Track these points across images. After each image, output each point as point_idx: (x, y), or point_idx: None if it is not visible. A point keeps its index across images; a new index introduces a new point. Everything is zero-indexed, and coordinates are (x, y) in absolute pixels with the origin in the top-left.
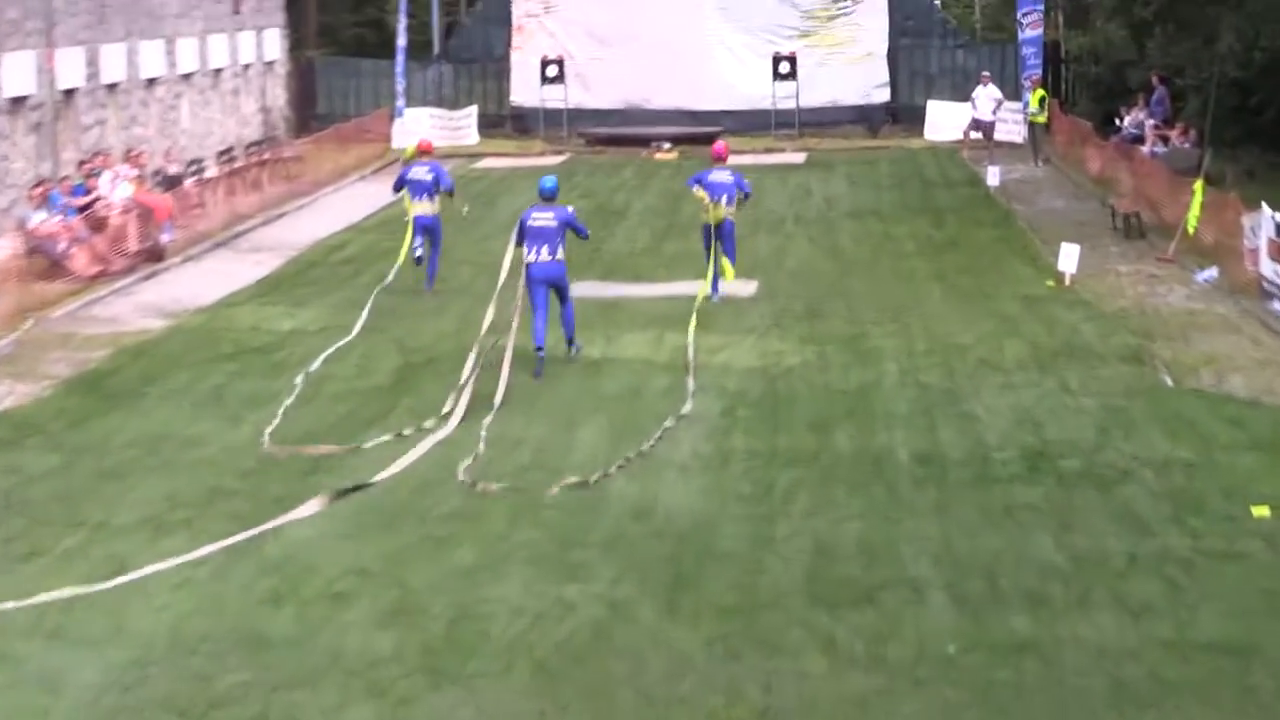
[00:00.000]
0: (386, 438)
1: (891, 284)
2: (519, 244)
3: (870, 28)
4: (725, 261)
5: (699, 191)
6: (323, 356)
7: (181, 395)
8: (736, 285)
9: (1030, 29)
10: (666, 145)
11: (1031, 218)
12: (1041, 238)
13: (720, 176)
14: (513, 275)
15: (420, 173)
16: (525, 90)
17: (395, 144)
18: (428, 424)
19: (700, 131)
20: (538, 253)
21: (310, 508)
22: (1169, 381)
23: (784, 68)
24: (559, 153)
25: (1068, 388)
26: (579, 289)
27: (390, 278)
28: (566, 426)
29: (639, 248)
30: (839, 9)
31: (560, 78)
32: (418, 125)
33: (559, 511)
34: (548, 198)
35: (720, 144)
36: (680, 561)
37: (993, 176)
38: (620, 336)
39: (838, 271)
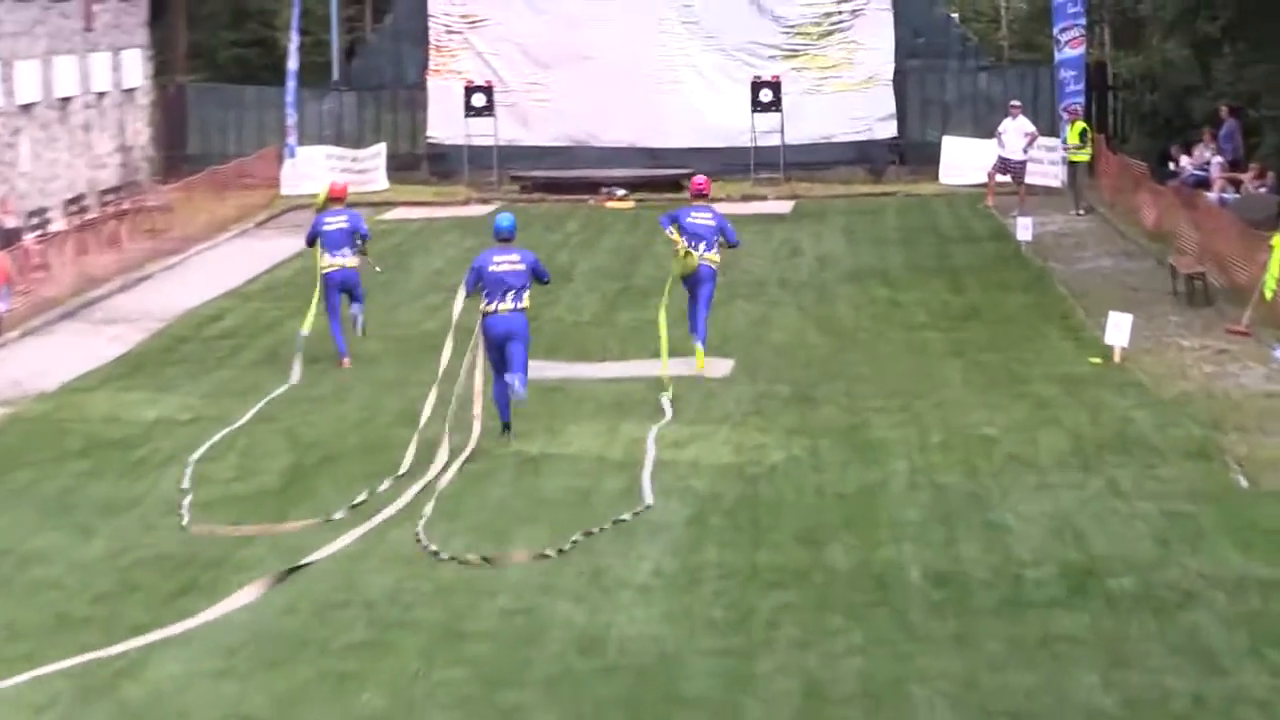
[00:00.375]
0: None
1: (899, 362)
2: (472, 294)
3: (872, 46)
4: (699, 351)
5: (673, 233)
6: (201, 450)
7: (20, 500)
8: (710, 364)
9: (1070, 48)
10: (620, 192)
11: (1072, 280)
12: (1084, 305)
13: (700, 218)
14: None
15: (336, 222)
16: (445, 124)
17: (285, 190)
18: (338, 515)
19: (662, 174)
20: (499, 302)
21: (247, 594)
22: (1243, 482)
23: (765, 96)
24: (486, 201)
25: (1118, 490)
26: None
27: (303, 336)
28: (496, 538)
29: (587, 318)
30: (833, 23)
31: (489, 108)
32: (312, 167)
33: (489, 643)
34: (506, 238)
35: (702, 178)
36: (638, 706)
37: (1024, 229)
38: (564, 428)
39: (833, 346)
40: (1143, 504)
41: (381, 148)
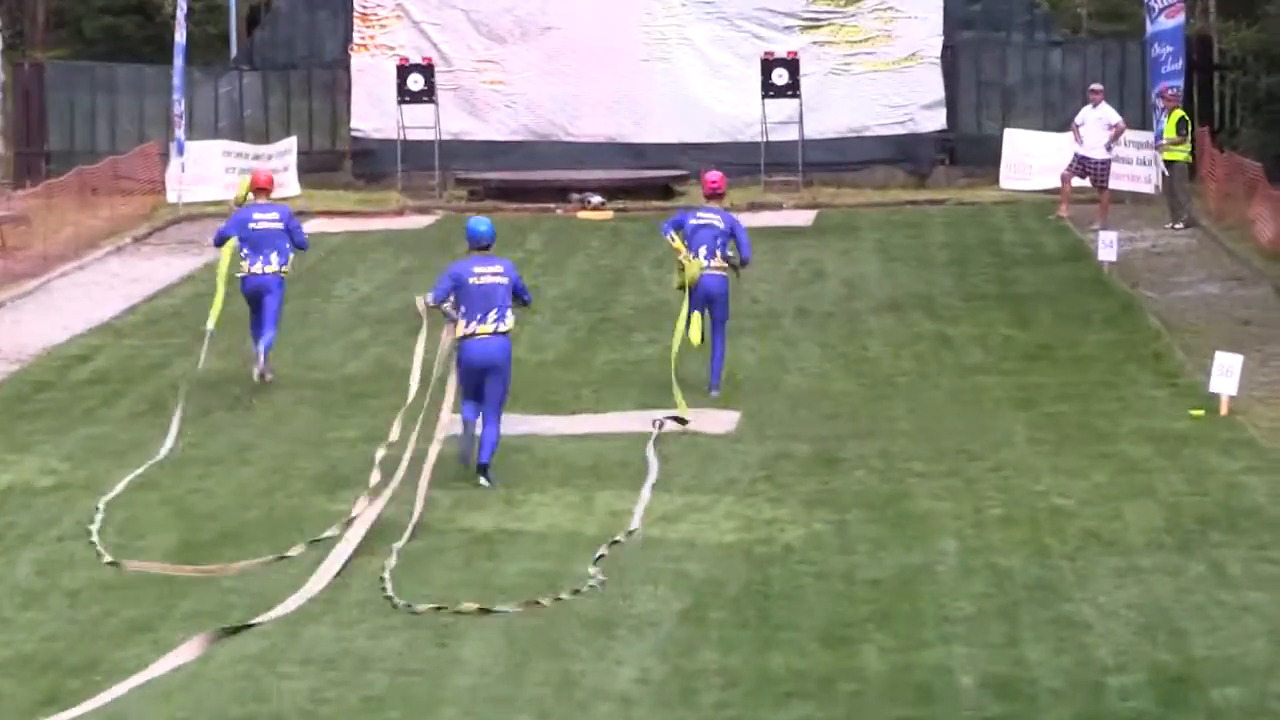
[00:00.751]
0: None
1: (949, 414)
2: (439, 307)
3: (914, 14)
4: (695, 319)
5: (674, 240)
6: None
7: None
8: (710, 418)
9: (1166, 17)
10: (595, 199)
11: (1168, 311)
12: (1183, 342)
13: (706, 218)
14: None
15: (265, 220)
16: (373, 113)
17: (171, 196)
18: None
19: (647, 177)
20: (479, 323)
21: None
22: None
23: (780, 77)
24: (426, 210)
25: (1224, 576)
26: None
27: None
28: (437, 638)
29: (553, 358)
30: None
31: (429, 93)
32: (205, 167)
33: None
34: (486, 245)
35: (717, 175)
36: None
37: (1107, 246)
38: (526, 497)
39: (865, 394)
40: (1254, 594)
41: (292, 143)
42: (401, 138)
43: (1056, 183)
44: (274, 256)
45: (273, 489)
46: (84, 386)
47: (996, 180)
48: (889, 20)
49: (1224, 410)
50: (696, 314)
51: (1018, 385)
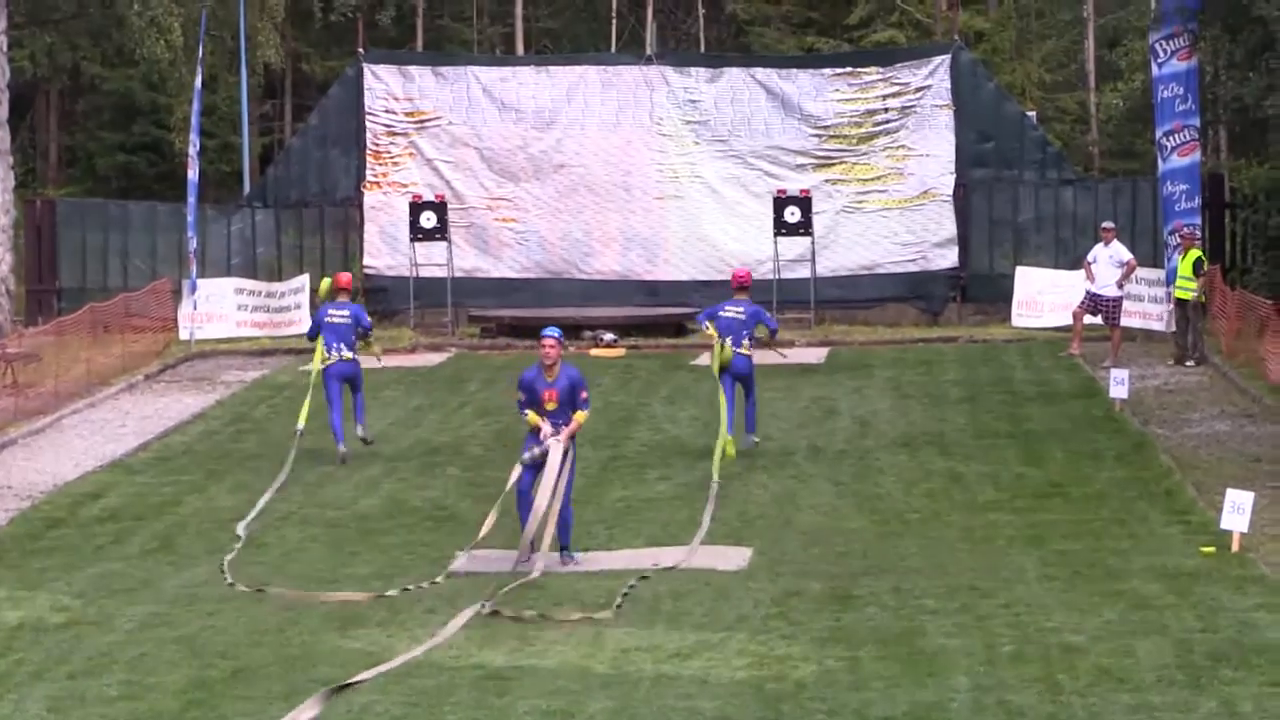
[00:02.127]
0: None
1: (961, 551)
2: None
3: (927, 152)
4: (730, 442)
5: (708, 328)
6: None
7: None
8: (718, 553)
9: (1179, 155)
10: (608, 336)
11: (1179, 448)
12: (1195, 479)
13: (732, 312)
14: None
15: (339, 316)
16: (385, 250)
17: (184, 333)
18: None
19: (660, 314)
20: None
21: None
22: None
23: (792, 215)
24: (438, 347)
25: (1237, 712)
26: (467, 562)
27: (294, 450)
28: None
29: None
30: (878, 123)
31: (442, 230)
32: (218, 304)
33: None
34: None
35: (744, 269)
36: None
37: (1119, 384)
38: (538, 634)
39: (877, 532)
40: None
41: (304, 281)
42: (414, 274)
43: (1068, 320)
44: (345, 346)
45: (285, 626)
46: (95, 524)
47: (1008, 318)
48: (901, 158)
49: (1235, 547)
50: (730, 437)
51: (1029, 522)
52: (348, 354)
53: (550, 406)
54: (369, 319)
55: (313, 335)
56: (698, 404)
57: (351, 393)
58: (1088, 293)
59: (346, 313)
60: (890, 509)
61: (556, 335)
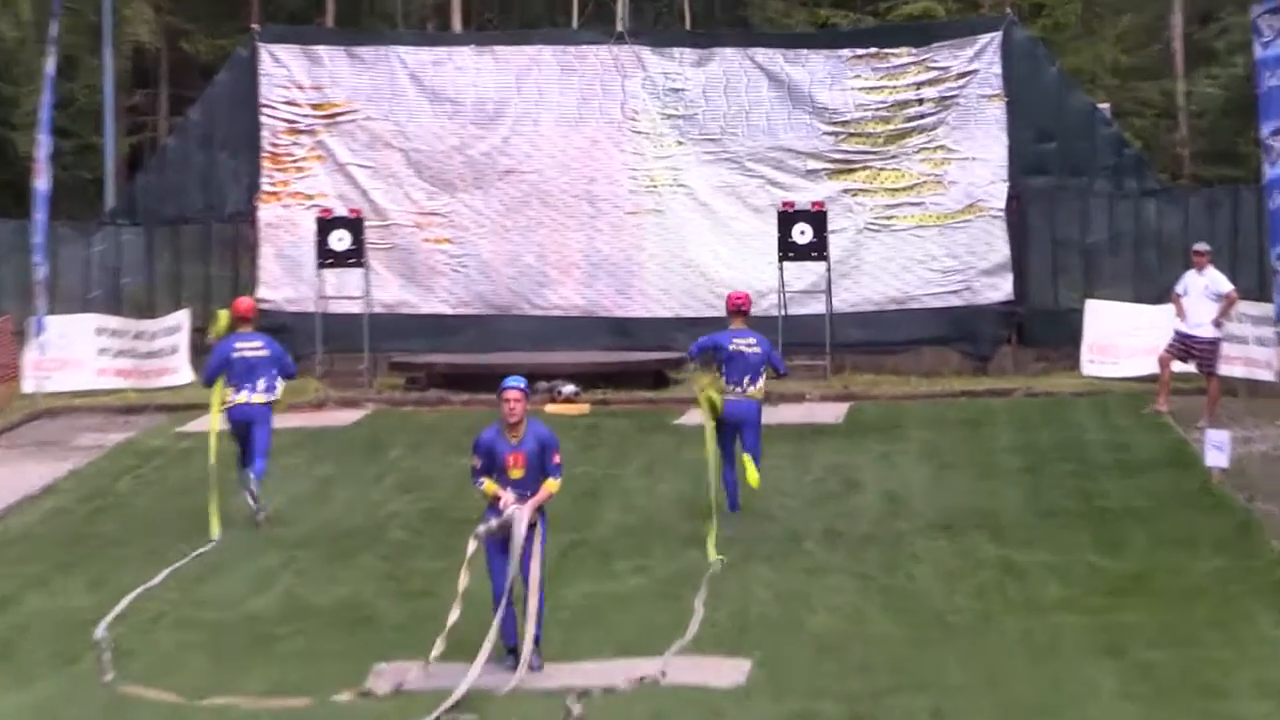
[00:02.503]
0: None
1: (1018, 663)
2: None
3: (973, 155)
4: (748, 461)
5: (695, 368)
6: None
7: None
8: (709, 666)
9: None
10: (568, 389)
11: None
12: None
13: (742, 346)
14: None
15: (249, 349)
16: (286, 280)
17: (29, 385)
18: None
19: (634, 361)
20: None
21: None
22: None
23: (802, 234)
24: (351, 403)
25: None
26: (387, 676)
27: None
28: None
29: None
30: (910, 118)
31: (357, 254)
32: (72, 347)
33: None
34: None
35: (741, 294)
36: None
37: (1217, 450)
38: None
39: (911, 638)
40: None
41: (184, 317)
42: (321, 310)
43: (1153, 368)
44: (261, 384)
45: None
46: None
47: (1077, 365)
48: (940, 163)
49: None
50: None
51: (1104, 626)
52: (260, 396)
53: (515, 474)
54: (293, 362)
55: (211, 379)
56: (681, 475)
57: (251, 449)
58: (1177, 333)
59: (260, 344)
60: (927, 610)
61: (521, 386)
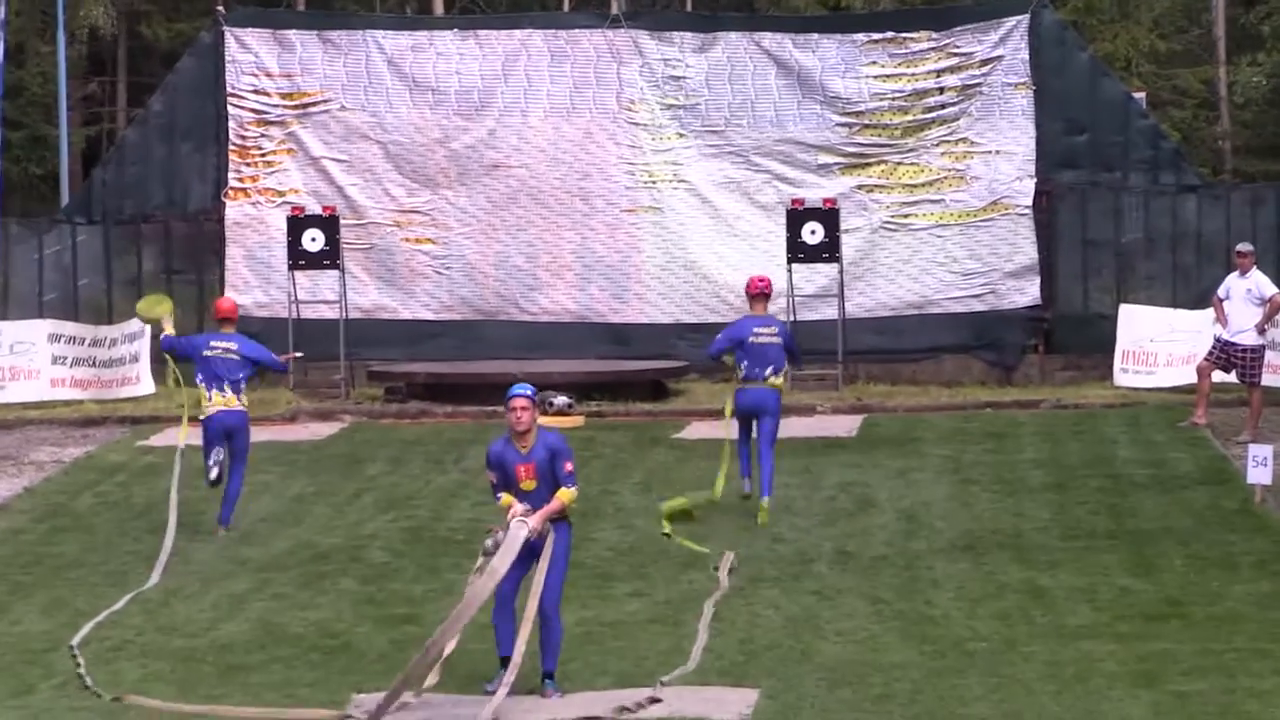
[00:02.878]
0: None
1: (1046, 694)
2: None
3: (997, 148)
4: (764, 507)
5: (730, 360)
6: None
7: None
8: (713, 697)
9: None
10: (561, 400)
11: None
12: None
13: (765, 335)
14: None
15: (222, 348)
16: (255, 283)
17: None
18: None
19: (631, 370)
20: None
21: None
22: None
23: (813, 233)
24: (327, 415)
25: None
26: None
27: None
28: None
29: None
30: (929, 109)
31: (332, 255)
32: (26, 357)
33: None
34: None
35: (763, 277)
36: None
37: (1260, 465)
38: None
39: (929, 668)
40: None
41: (143, 325)
42: (294, 316)
43: (1191, 378)
44: (229, 390)
45: None
46: None
47: (1109, 374)
48: (962, 156)
49: None
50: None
51: (1138, 654)
52: (234, 399)
53: (527, 486)
54: (276, 356)
55: (168, 348)
56: (682, 492)
57: (231, 460)
58: (1217, 340)
59: (234, 345)
60: (947, 636)
61: (528, 394)
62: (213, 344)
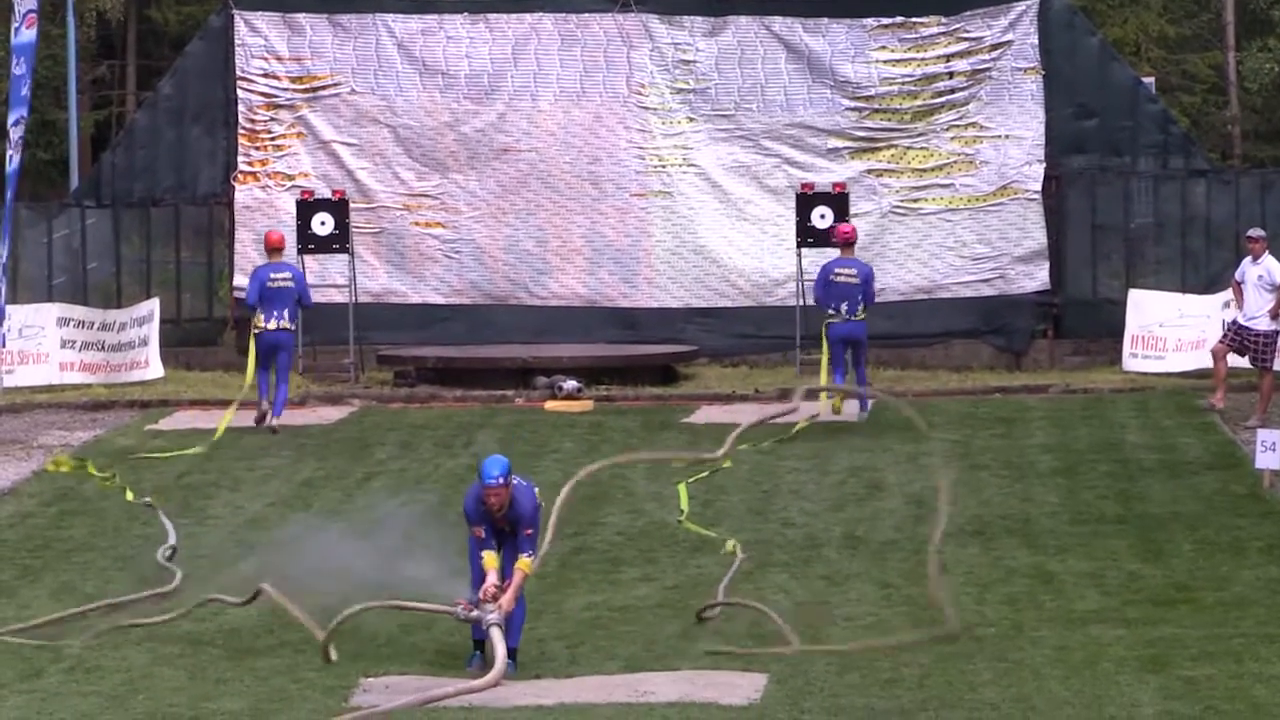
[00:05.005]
0: None
1: (1054, 679)
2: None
3: (1007, 133)
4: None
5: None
6: None
7: None
8: (721, 681)
9: None
10: (570, 384)
11: None
12: None
13: (845, 274)
14: None
15: (280, 279)
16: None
17: None
18: None
19: (640, 354)
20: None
21: None
22: None
23: (822, 218)
24: (336, 399)
25: None
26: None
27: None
28: None
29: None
30: (939, 93)
31: (341, 239)
32: (34, 341)
33: None
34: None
35: (847, 224)
36: None
37: (1268, 450)
38: None
39: (938, 652)
40: None
41: (154, 307)
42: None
43: (1200, 362)
44: (287, 313)
45: None
46: None
47: (1117, 360)
48: (971, 141)
49: None
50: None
51: (1146, 639)
52: (287, 323)
53: (507, 528)
54: (311, 294)
55: (254, 303)
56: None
57: (276, 370)
58: (1233, 323)
59: (289, 275)
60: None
61: (498, 479)
62: (272, 276)
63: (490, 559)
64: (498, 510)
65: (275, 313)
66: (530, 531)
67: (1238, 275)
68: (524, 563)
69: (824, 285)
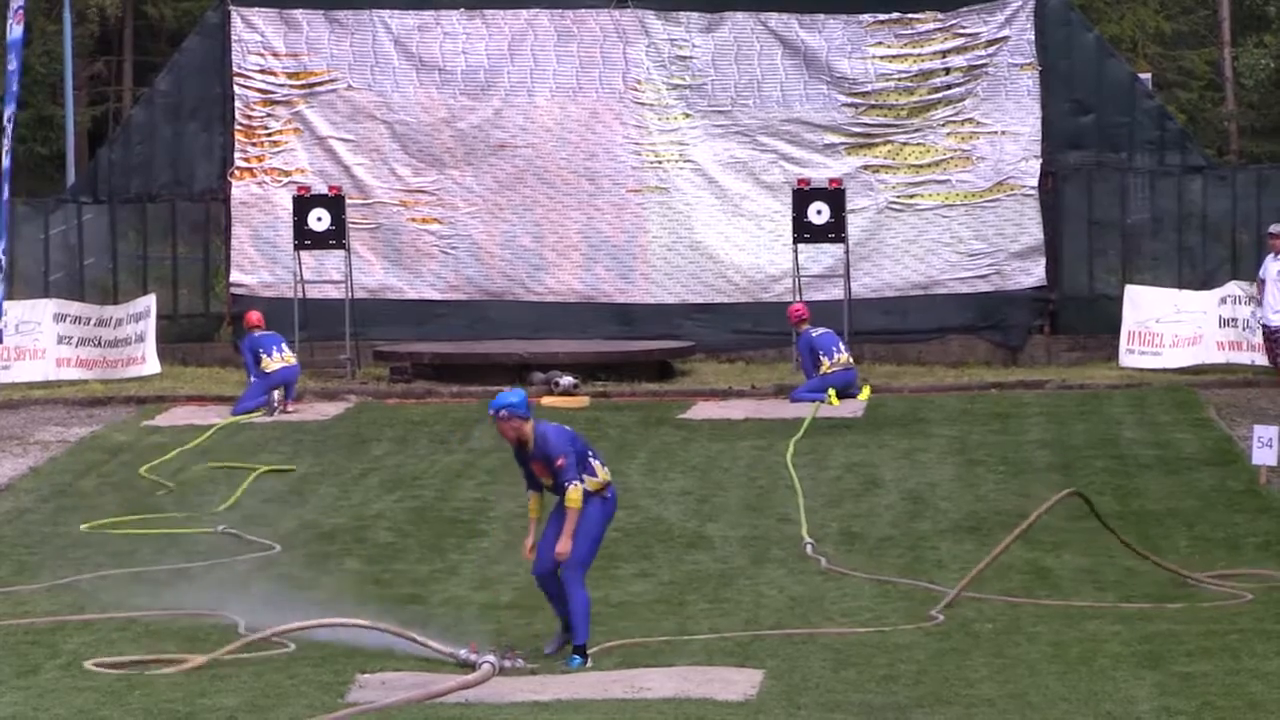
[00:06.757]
0: None
1: (1050, 675)
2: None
3: (1003, 129)
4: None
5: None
6: None
7: None
8: (716, 677)
9: None
10: (566, 380)
11: None
12: None
13: (820, 329)
14: None
15: (268, 332)
16: (261, 262)
17: None
18: None
19: (637, 350)
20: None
21: None
22: None
23: (818, 213)
24: (332, 395)
25: None
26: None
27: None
28: None
29: (508, 598)
30: (935, 89)
31: (338, 235)
32: (32, 335)
33: None
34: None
35: (798, 304)
36: None
37: (1265, 446)
38: None
39: (934, 648)
40: None
41: (150, 303)
42: (300, 295)
43: (1192, 359)
44: (287, 347)
45: None
46: None
47: (1114, 355)
48: (968, 137)
49: None
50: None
51: (1142, 635)
52: (290, 356)
53: (547, 482)
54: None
55: (256, 359)
56: (688, 473)
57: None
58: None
59: (271, 331)
60: (953, 617)
61: (503, 409)
62: (259, 335)
63: (532, 503)
64: (514, 444)
65: (278, 349)
66: (561, 461)
67: (1261, 273)
68: (569, 497)
69: (808, 350)
